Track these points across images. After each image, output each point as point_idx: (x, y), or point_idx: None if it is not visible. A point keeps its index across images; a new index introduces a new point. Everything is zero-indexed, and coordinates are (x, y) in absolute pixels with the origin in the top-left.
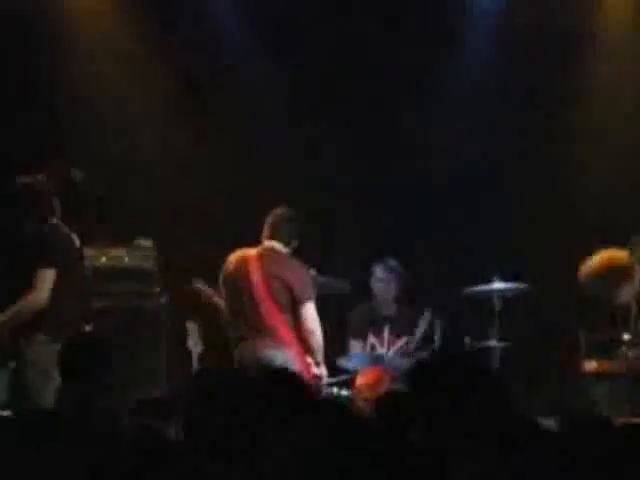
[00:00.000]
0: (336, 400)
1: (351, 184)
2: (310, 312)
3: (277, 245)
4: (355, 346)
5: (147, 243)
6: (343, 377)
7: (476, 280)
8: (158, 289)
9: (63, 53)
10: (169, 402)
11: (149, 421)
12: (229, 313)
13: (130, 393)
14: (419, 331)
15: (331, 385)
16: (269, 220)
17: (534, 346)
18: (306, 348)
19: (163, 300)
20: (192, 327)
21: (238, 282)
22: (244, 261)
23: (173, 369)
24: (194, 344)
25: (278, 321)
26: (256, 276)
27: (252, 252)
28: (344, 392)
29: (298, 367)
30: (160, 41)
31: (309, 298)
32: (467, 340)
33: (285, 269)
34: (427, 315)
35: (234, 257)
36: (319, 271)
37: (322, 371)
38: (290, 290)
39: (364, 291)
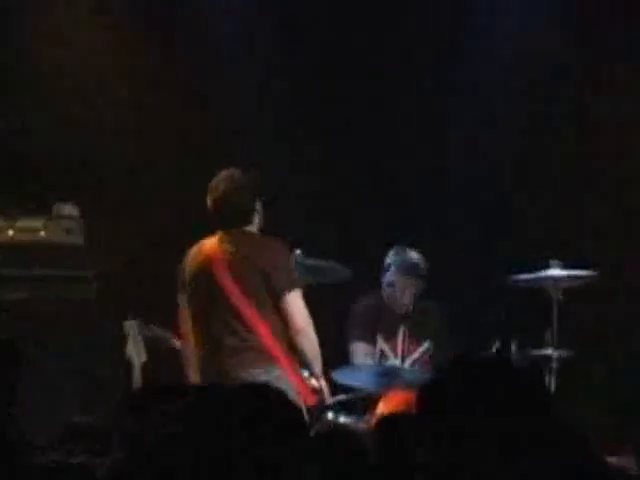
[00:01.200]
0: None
1: (361, 162)
2: (297, 305)
3: (239, 229)
4: (358, 354)
5: (72, 210)
6: (341, 397)
7: (526, 267)
8: (87, 274)
9: None
10: (104, 431)
11: (79, 457)
12: (192, 324)
13: (49, 416)
14: (443, 335)
15: (326, 407)
16: (212, 202)
17: (604, 357)
18: (298, 357)
19: (93, 289)
20: (132, 327)
21: (201, 282)
22: (205, 255)
23: (107, 384)
24: (136, 351)
25: (262, 329)
26: (222, 270)
27: (212, 241)
28: (345, 419)
29: (293, 387)
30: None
31: (293, 286)
32: (514, 346)
33: (257, 252)
34: (444, 310)
35: (192, 252)
36: (307, 253)
37: (322, 384)
38: (267, 278)
39: (371, 280)
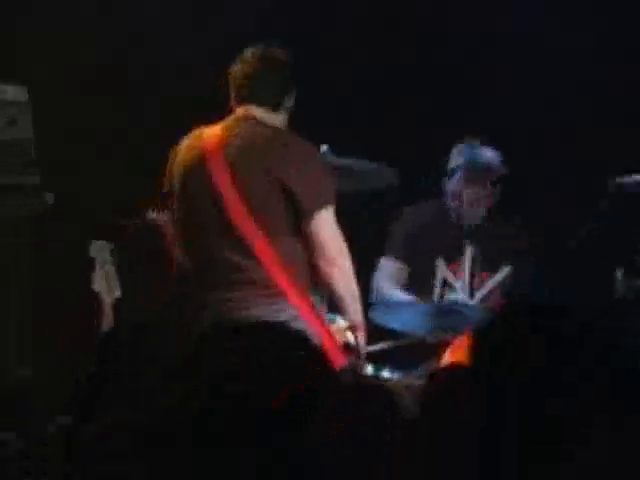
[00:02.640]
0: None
1: None
2: (329, 229)
3: (259, 111)
4: (384, 273)
5: (17, 92)
6: (383, 345)
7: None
8: (38, 181)
9: None
10: None
11: None
12: (180, 247)
13: None
14: (527, 260)
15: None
16: (240, 70)
17: None
18: (329, 298)
19: (47, 201)
20: (102, 252)
21: (192, 189)
22: (200, 149)
23: (68, 327)
24: (106, 284)
25: (267, 253)
26: (222, 174)
27: (214, 130)
28: (388, 374)
29: (313, 336)
30: None
31: (324, 203)
32: (619, 275)
33: (274, 155)
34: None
35: (184, 146)
36: (336, 151)
37: (360, 340)
38: (289, 193)
39: (426, 190)
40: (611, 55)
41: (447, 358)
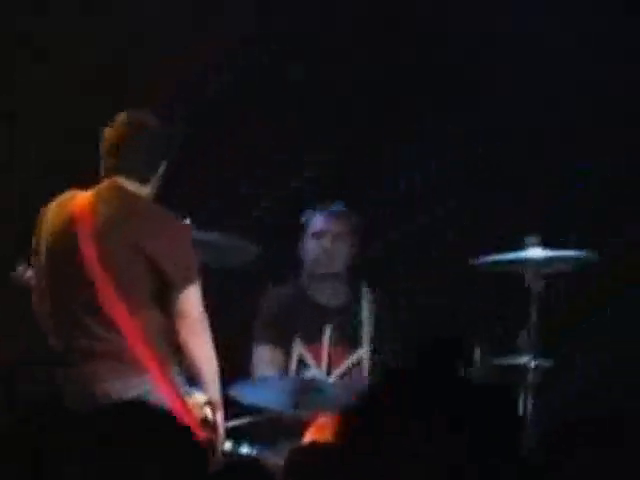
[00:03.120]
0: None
1: None
2: (194, 303)
3: (127, 182)
4: (260, 362)
5: None
6: (242, 421)
7: (498, 246)
8: None
9: None
10: None
11: None
12: (47, 314)
13: None
14: (385, 338)
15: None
16: (108, 137)
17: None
18: (189, 373)
19: None
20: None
21: (58, 258)
22: (69, 216)
23: None
24: None
25: (127, 325)
26: (88, 245)
27: (84, 197)
28: (248, 450)
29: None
30: None
31: (193, 279)
32: (477, 353)
33: (141, 227)
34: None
35: (54, 208)
36: (198, 224)
37: (218, 417)
38: (155, 267)
39: (284, 264)
40: (611, 55)
41: (308, 437)
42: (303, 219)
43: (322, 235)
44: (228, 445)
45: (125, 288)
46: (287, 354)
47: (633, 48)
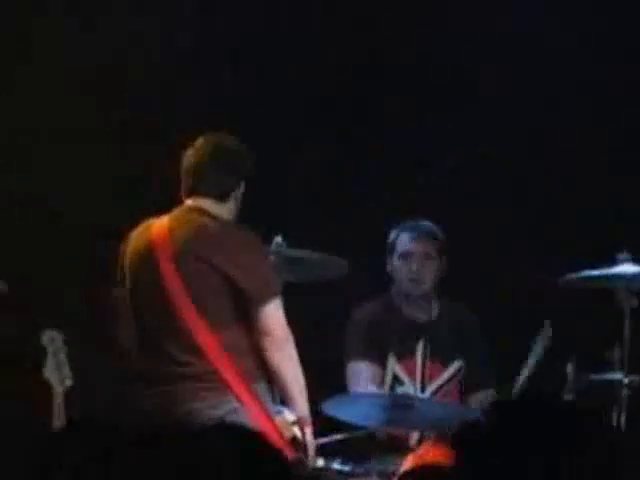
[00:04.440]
0: None
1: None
2: (277, 319)
3: (206, 203)
4: (360, 378)
5: None
6: (335, 437)
7: (586, 261)
8: None
9: None
10: None
11: None
12: (130, 338)
13: None
14: (479, 352)
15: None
16: (190, 159)
17: None
18: (275, 386)
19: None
20: (55, 341)
21: (140, 283)
22: (149, 242)
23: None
24: (57, 373)
25: (210, 345)
26: (168, 269)
27: (162, 222)
28: (341, 466)
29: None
30: None
31: (272, 295)
32: (570, 369)
33: (219, 247)
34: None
35: (135, 236)
36: (289, 241)
37: (307, 434)
38: (232, 283)
39: (375, 280)
40: (611, 55)
41: (413, 460)
42: (390, 237)
43: (410, 256)
44: (320, 462)
45: (205, 309)
46: (383, 369)
47: (633, 48)
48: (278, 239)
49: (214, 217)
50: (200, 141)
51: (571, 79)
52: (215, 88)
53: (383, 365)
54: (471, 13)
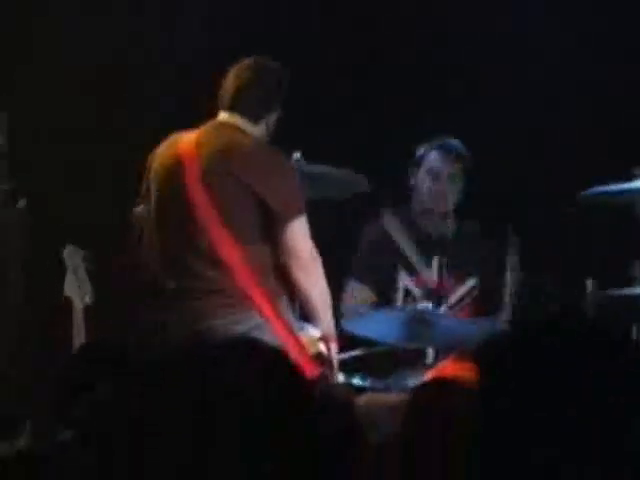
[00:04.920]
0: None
1: None
2: (302, 238)
3: (240, 120)
4: (353, 297)
5: None
6: (355, 353)
7: (602, 176)
8: (8, 186)
9: None
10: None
11: None
12: (156, 254)
13: None
14: (494, 270)
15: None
16: (232, 78)
17: None
18: (300, 304)
19: (20, 205)
20: (75, 257)
21: (166, 198)
22: (176, 156)
23: (34, 337)
24: (78, 289)
25: (234, 260)
26: (194, 183)
27: (190, 137)
28: (360, 382)
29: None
30: None
31: (297, 212)
32: (589, 286)
33: (249, 163)
34: (515, 241)
35: (162, 151)
36: (308, 157)
37: (332, 351)
38: (259, 200)
39: (396, 196)
40: (611, 55)
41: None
42: (418, 152)
43: (437, 174)
44: (340, 377)
45: (231, 224)
46: (390, 286)
47: (633, 48)
48: (297, 155)
49: (247, 135)
50: (244, 62)
51: (571, 79)
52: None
53: (390, 282)
54: (471, 13)
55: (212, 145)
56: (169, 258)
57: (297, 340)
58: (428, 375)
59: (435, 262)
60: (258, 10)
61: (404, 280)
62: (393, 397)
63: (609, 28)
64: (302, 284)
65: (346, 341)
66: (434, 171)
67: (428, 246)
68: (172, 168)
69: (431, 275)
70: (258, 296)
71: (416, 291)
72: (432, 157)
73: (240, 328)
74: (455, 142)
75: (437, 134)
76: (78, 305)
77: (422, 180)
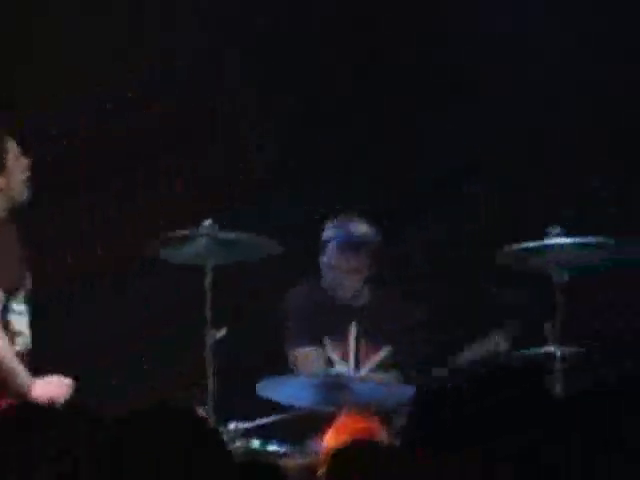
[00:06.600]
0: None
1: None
2: None
3: None
4: (310, 363)
5: None
6: (267, 419)
7: (517, 235)
8: None
9: None
10: None
11: None
12: None
13: None
14: (409, 336)
15: (246, 434)
16: None
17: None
18: None
19: None
20: None
21: None
22: None
23: None
24: None
25: None
26: None
27: None
28: (276, 448)
29: None
30: None
31: None
32: (502, 345)
33: None
34: (423, 308)
35: None
36: (222, 224)
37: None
38: None
39: (307, 262)
40: (611, 55)
41: (332, 436)
42: (323, 235)
43: (338, 269)
44: (257, 444)
45: None
46: (317, 350)
47: (633, 48)
48: (208, 221)
49: None
50: None
51: (571, 79)
52: (215, 88)
53: (318, 346)
54: (471, 13)
55: None
56: None
57: None
58: (330, 434)
59: (353, 329)
60: (258, 10)
61: (327, 348)
62: (308, 460)
63: (609, 28)
64: None
65: (263, 406)
66: (332, 265)
67: (346, 315)
68: None
69: (349, 342)
70: None
71: (335, 358)
72: (330, 251)
73: None
74: (357, 230)
75: (435, 135)
76: None
77: (325, 267)
